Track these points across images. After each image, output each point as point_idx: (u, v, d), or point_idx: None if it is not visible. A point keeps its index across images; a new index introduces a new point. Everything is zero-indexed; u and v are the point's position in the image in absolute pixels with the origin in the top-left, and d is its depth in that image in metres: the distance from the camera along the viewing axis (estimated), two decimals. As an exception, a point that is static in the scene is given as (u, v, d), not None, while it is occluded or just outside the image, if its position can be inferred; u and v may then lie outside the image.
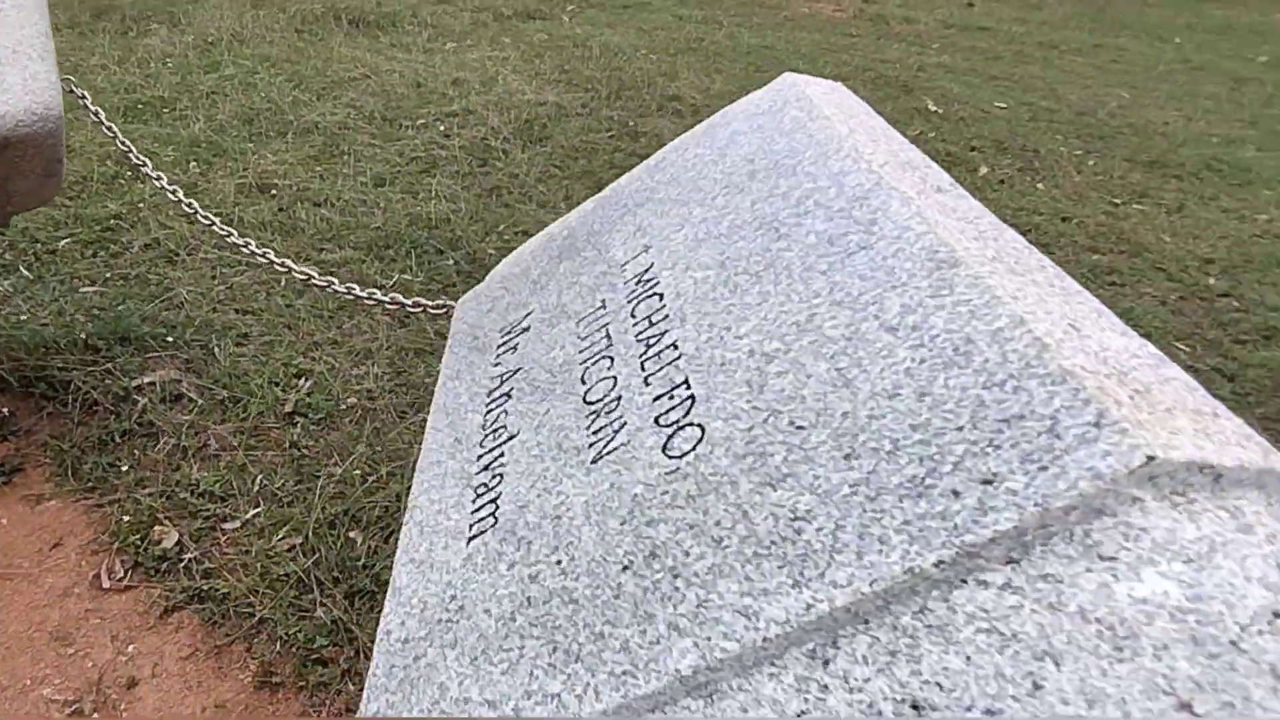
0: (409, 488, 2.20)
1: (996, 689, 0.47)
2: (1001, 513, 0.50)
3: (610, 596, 0.64)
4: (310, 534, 2.04)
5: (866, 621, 0.52)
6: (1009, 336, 0.59)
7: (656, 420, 0.77)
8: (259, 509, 2.14)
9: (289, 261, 2.09)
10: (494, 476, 0.85)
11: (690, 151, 1.15)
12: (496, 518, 0.80)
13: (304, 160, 3.59)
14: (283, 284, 2.86)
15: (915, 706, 0.48)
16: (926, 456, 0.56)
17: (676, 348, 0.83)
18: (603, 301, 0.99)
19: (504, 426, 0.91)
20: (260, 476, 2.23)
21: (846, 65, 5.18)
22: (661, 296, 0.91)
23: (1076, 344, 0.57)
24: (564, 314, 1.02)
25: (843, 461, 0.60)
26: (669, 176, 1.14)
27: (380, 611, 2.02)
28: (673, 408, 0.76)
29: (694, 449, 0.71)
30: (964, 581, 0.50)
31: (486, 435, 0.92)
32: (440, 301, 1.81)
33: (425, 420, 2.50)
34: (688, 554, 0.63)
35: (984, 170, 4.41)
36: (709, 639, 0.56)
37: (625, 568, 0.65)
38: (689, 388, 0.77)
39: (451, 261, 2.98)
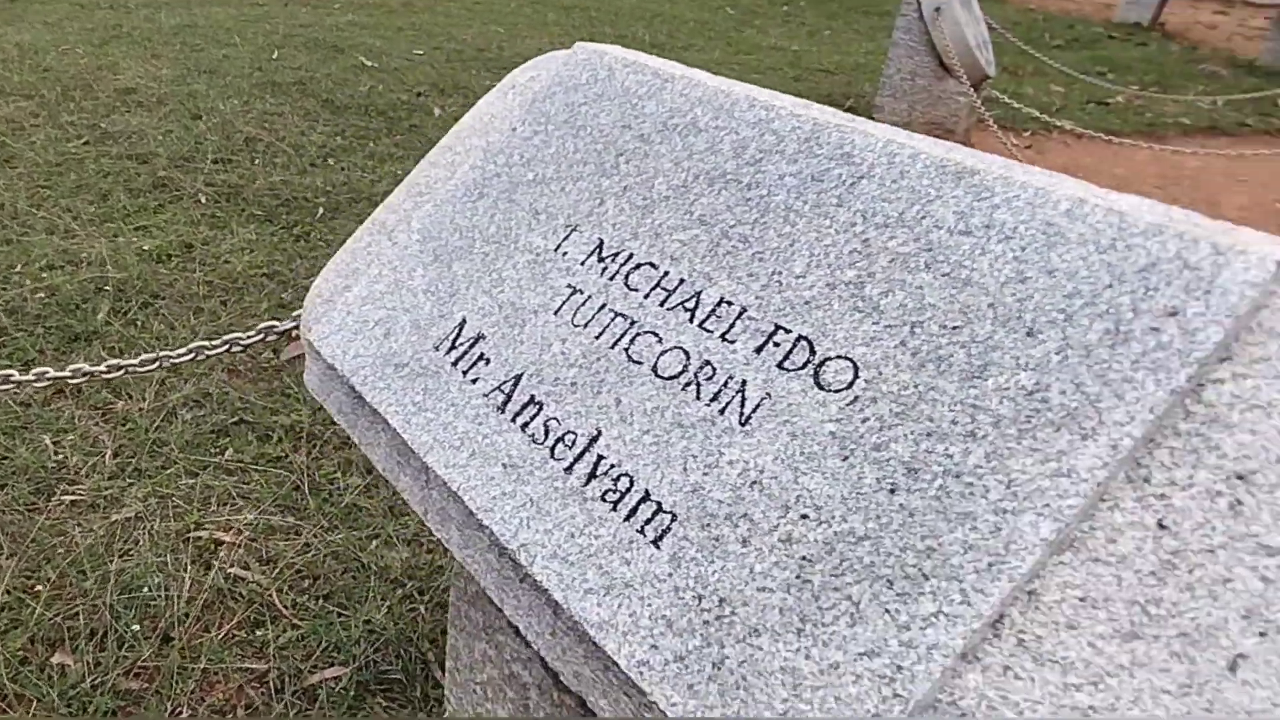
0: (101, 580, 1.66)
1: None
2: (1205, 330, 0.60)
3: (904, 518, 0.62)
4: (5, 681, 1.48)
5: (1153, 440, 0.60)
6: (1085, 213, 0.68)
7: (781, 366, 0.72)
8: (-83, 683, 1.47)
9: None
10: (615, 480, 0.73)
11: (523, 131, 1.01)
12: (671, 511, 0.69)
13: None
14: None
15: (1240, 477, 0.57)
16: (1103, 313, 0.64)
17: (730, 303, 0.77)
18: (570, 286, 0.86)
19: (571, 432, 0.77)
20: (-108, 645, 1.53)
21: (275, 34, 4.64)
22: (655, 265, 0.83)
23: (1129, 205, 0.68)
24: (525, 310, 0.86)
25: (1028, 339, 0.65)
26: (520, 159, 0.99)
27: (146, 706, 1.56)
28: (789, 353, 0.73)
29: (856, 377, 0.69)
30: (1202, 385, 0.60)
31: (553, 447, 0.76)
32: (193, 347, 1.35)
33: (67, 501, 1.88)
34: (950, 455, 0.63)
35: (438, 112, 4.38)
36: (1048, 505, 0.59)
37: (892, 490, 0.63)
38: (787, 332, 0.74)
39: (-14, 318, 2.18)
